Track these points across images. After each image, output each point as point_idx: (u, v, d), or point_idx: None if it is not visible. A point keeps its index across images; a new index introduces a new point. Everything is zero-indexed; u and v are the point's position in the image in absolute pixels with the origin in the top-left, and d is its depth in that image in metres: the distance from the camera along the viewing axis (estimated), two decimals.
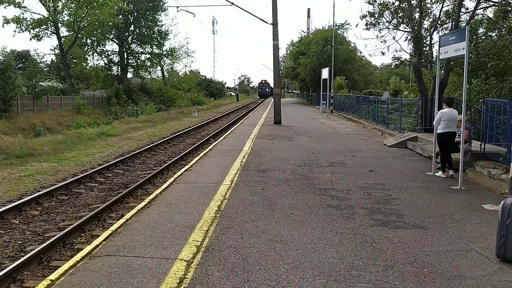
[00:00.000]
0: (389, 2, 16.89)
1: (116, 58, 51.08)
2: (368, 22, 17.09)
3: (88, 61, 52.26)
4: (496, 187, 8.38)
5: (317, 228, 5.77)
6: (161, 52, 53.40)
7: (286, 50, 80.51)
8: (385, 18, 16.83)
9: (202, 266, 4.53)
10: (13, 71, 26.66)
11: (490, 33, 18.04)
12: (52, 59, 47.96)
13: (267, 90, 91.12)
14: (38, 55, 43.97)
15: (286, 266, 4.53)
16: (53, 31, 38.92)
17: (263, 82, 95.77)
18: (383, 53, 17.64)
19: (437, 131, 9.24)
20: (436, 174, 9.52)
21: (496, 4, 16.29)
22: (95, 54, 50.41)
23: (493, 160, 9.69)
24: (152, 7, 48.42)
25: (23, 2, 36.58)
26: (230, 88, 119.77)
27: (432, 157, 10.09)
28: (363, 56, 53.33)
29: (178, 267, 4.48)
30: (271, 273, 4.36)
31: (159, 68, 57.71)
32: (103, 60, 50.64)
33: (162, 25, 52.28)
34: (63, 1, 38.10)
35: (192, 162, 10.95)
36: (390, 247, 5.10)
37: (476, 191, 8.13)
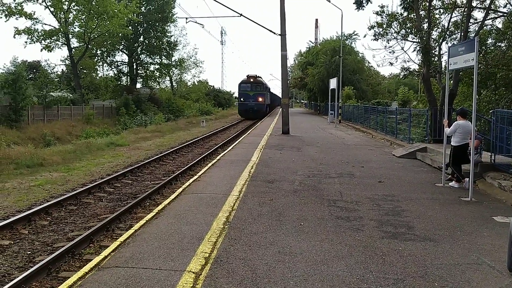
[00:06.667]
0: (397, 13, 16.94)
1: (125, 69, 51.86)
2: (376, 33, 17.11)
3: (98, 72, 53.05)
4: (507, 198, 8.27)
5: (326, 240, 5.73)
6: (170, 62, 54.07)
7: (294, 60, 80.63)
8: (393, 29, 16.84)
9: (211, 278, 4.51)
10: (24, 82, 27.02)
11: (499, 44, 17.99)
12: (62, 69, 48.63)
13: (260, 100, 42.32)
14: (49, 66, 44.57)
15: (295, 279, 4.50)
16: (64, 42, 39.57)
17: (251, 80, 42.73)
18: (391, 64, 17.63)
19: (453, 144, 9.18)
20: (449, 184, 9.45)
21: (505, 14, 16.25)
22: (105, 64, 51.28)
23: (504, 171, 9.57)
24: (162, 18, 49.09)
25: (34, 14, 37.33)
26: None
27: (442, 168, 10.01)
28: (371, 66, 53.51)
29: (186, 279, 4.46)
30: (280, 286, 4.32)
31: (168, 78, 58.47)
32: (113, 71, 51.51)
33: (171, 36, 53.10)
34: (74, 12, 38.77)
35: (200, 172, 10.96)
36: (400, 260, 5.05)
37: (487, 203, 8.04)
